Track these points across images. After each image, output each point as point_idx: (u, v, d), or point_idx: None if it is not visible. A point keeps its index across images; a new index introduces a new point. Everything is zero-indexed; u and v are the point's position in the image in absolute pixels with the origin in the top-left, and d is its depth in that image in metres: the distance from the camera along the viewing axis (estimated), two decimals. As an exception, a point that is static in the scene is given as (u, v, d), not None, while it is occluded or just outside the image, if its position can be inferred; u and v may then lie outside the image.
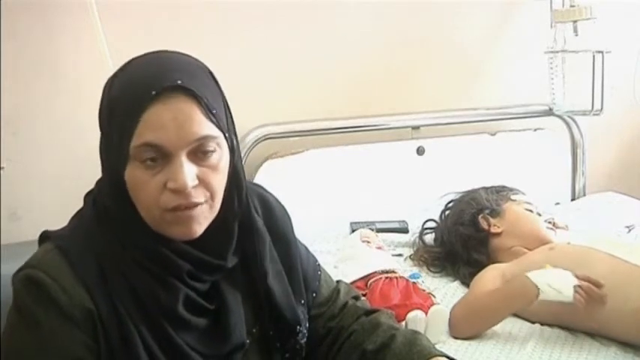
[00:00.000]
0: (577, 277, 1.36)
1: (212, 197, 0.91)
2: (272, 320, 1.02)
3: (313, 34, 2.02)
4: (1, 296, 1.02)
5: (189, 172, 0.87)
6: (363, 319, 1.11)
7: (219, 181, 0.91)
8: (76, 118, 1.80)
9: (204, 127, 0.87)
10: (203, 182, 0.89)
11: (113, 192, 0.91)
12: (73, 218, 0.97)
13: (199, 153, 0.88)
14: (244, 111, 1.96)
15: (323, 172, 2.01)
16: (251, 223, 1.00)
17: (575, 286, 1.35)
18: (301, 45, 2.01)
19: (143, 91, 0.85)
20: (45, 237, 0.95)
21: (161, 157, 0.86)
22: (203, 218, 0.91)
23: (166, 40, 1.80)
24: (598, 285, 1.35)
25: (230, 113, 0.95)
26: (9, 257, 1.20)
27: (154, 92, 0.85)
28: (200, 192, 0.89)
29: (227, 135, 0.92)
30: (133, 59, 0.93)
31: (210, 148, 0.89)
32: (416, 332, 1.10)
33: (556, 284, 1.36)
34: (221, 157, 0.91)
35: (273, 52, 1.97)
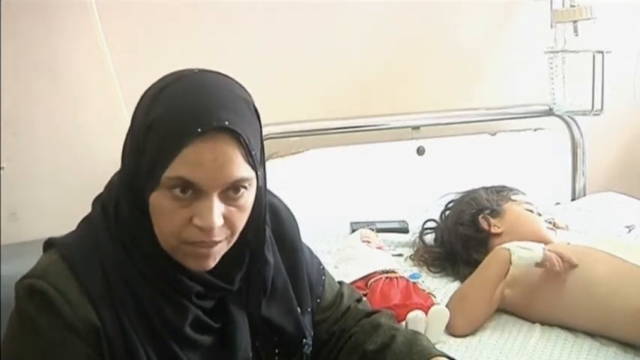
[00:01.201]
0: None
1: (232, 235, 0.90)
2: (273, 341, 1.02)
3: (313, 34, 2.02)
4: (1, 296, 1.02)
5: (217, 212, 0.85)
6: (363, 320, 1.11)
7: (243, 220, 0.90)
8: (75, 118, 1.80)
9: (242, 169, 0.85)
10: (228, 221, 0.88)
11: (133, 205, 0.89)
12: (80, 224, 0.95)
13: (230, 192, 0.86)
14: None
15: (323, 172, 2.01)
16: (261, 253, 0.99)
17: (543, 248, 1.46)
18: (301, 45, 2.01)
19: (187, 126, 0.82)
20: (50, 244, 0.93)
21: (192, 191, 0.84)
22: (219, 254, 0.90)
23: (166, 40, 1.82)
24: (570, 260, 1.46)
25: (263, 145, 0.94)
26: (9, 257, 1.20)
27: (199, 129, 0.82)
28: (222, 231, 0.88)
29: (259, 173, 0.90)
30: (179, 77, 0.89)
31: (242, 189, 0.87)
32: (416, 332, 1.10)
33: (525, 245, 1.49)
34: (249, 196, 0.90)
35: (273, 52, 1.97)
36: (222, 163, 0.84)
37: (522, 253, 1.47)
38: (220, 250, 0.90)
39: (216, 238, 0.87)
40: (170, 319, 0.89)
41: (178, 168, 0.83)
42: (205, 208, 0.84)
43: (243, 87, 0.93)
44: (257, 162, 0.89)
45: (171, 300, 0.90)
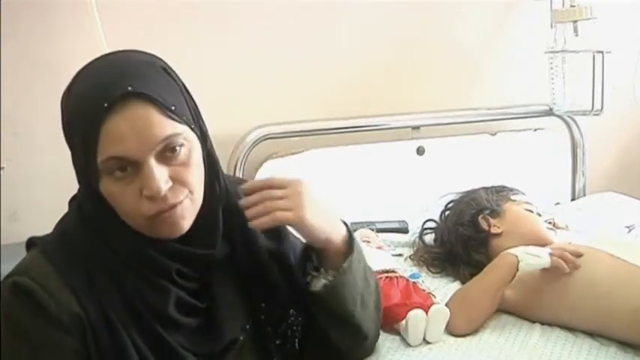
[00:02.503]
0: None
1: (192, 192, 0.90)
2: (265, 300, 1.02)
3: (313, 34, 2.02)
4: (1, 296, 1.02)
5: (160, 176, 0.85)
6: None
7: (195, 175, 0.90)
8: (76, 118, 1.80)
9: (166, 127, 0.86)
10: (178, 181, 0.88)
11: (91, 201, 0.90)
12: (58, 223, 0.97)
13: (167, 153, 0.87)
14: (244, 111, 1.98)
15: (323, 172, 2.01)
16: (233, 204, 0.99)
17: (550, 253, 1.45)
18: (301, 45, 2.01)
19: (95, 105, 0.83)
20: (31, 243, 0.95)
21: (130, 166, 0.85)
22: (187, 213, 0.90)
23: (166, 41, 1.81)
24: (576, 254, 1.45)
25: (193, 102, 0.93)
26: (9, 257, 1.20)
27: (106, 104, 0.83)
28: (178, 191, 0.88)
29: (193, 127, 0.90)
30: (84, 67, 0.91)
31: (177, 145, 0.87)
32: None
33: (532, 251, 1.47)
34: (191, 150, 0.89)
35: (273, 52, 1.97)
36: (141, 128, 0.84)
37: (530, 260, 1.45)
38: (187, 209, 0.89)
39: (173, 201, 0.87)
40: (152, 302, 0.90)
41: (105, 149, 0.84)
42: (147, 177, 0.85)
43: (149, 54, 0.94)
44: (184, 117, 0.88)
45: (152, 283, 0.90)
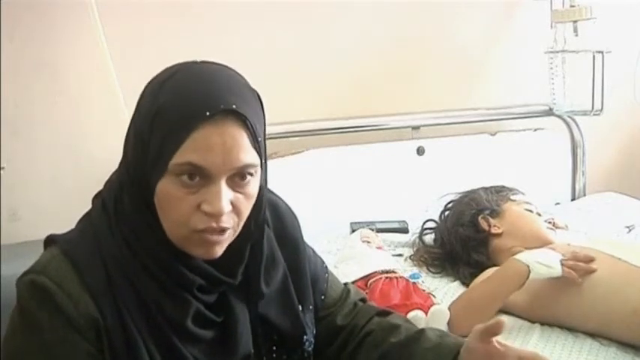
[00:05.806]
0: (563, 255, 1.45)
1: (239, 223, 0.90)
2: (273, 337, 1.02)
3: (313, 34, 2.02)
4: (1, 296, 1.02)
5: (226, 197, 0.85)
6: (376, 319, 1.10)
7: (249, 208, 0.91)
8: (76, 118, 1.80)
9: (250, 155, 0.86)
10: (236, 208, 0.88)
11: (136, 198, 0.89)
12: (80, 221, 0.95)
13: (237, 179, 0.87)
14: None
15: (323, 172, 2.01)
16: (260, 245, 0.99)
17: (561, 260, 1.42)
18: (301, 45, 2.01)
19: (196, 109, 0.83)
20: (51, 241, 0.93)
21: (200, 177, 0.85)
22: (226, 242, 0.90)
23: (166, 41, 1.82)
24: (587, 259, 1.43)
25: (265, 139, 0.94)
26: (9, 257, 1.20)
27: (208, 113, 0.83)
28: (230, 217, 0.88)
29: (262, 162, 0.91)
30: (183, 67, 0.90)
31: (249, 176, 0.88)
32: (441, 331, 1.10)
33: (544, 260, 1.43)
34: (255, 184, 0.90)
35: (273, 52, 1.97)
36: (230, 147, 0.84)
37: (541, 270, 1.42)
38: (228, 239, 0.90)
39: (224, 224, 0.87)
40: (171, 314, 0.89)
41: (187, 153, 0.83)
42: (214, 194, 0.85)
43: (244, 78, 0.94)
44: (262, 150, 0.89)
45: (173, 294, 0.90)
